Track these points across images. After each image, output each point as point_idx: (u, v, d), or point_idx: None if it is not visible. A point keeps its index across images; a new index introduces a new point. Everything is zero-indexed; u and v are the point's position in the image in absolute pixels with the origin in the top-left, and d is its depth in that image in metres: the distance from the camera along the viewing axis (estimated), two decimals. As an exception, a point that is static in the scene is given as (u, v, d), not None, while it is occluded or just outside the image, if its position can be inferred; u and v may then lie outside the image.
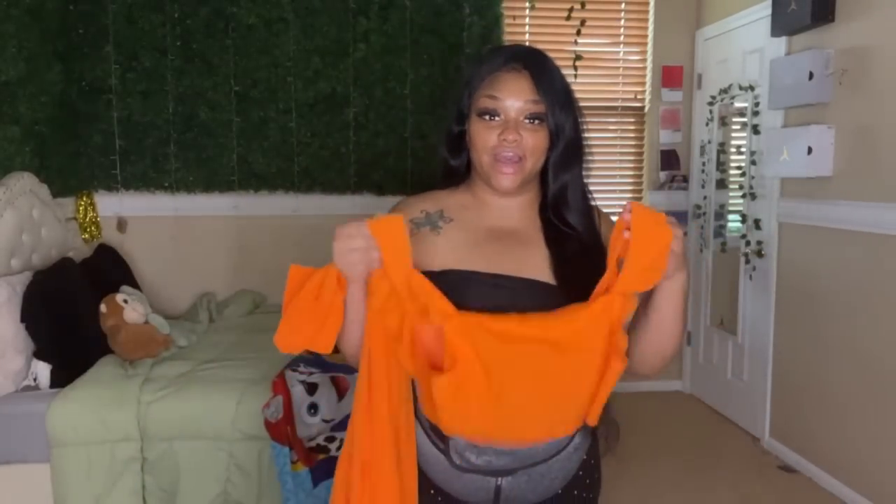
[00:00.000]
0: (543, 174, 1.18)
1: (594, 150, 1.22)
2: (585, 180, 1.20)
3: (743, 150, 3.71)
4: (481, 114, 1.14)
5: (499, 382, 1.01)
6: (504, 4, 3.87)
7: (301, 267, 1.06)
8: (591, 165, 1.20)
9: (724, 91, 3.79)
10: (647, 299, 1.08)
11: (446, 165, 1.25)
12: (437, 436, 1.12)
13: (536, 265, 1.14)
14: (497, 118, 1.13)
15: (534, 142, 1.13)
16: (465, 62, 3.76)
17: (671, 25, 4.12)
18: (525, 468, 1.10)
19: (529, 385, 1.02)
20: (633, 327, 1.10)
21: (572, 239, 1.17)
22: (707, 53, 4.05)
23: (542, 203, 1.21)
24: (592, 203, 1.22)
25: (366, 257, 1.01)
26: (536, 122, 1.13)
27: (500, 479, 1.10)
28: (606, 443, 1.19)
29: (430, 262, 1.13)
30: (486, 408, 1.02)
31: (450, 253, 1.15)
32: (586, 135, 1.19)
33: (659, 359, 1.13)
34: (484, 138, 1.13)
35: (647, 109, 4.21)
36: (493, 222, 1.20)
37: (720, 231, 4.01)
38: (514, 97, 1.12)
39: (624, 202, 1.06)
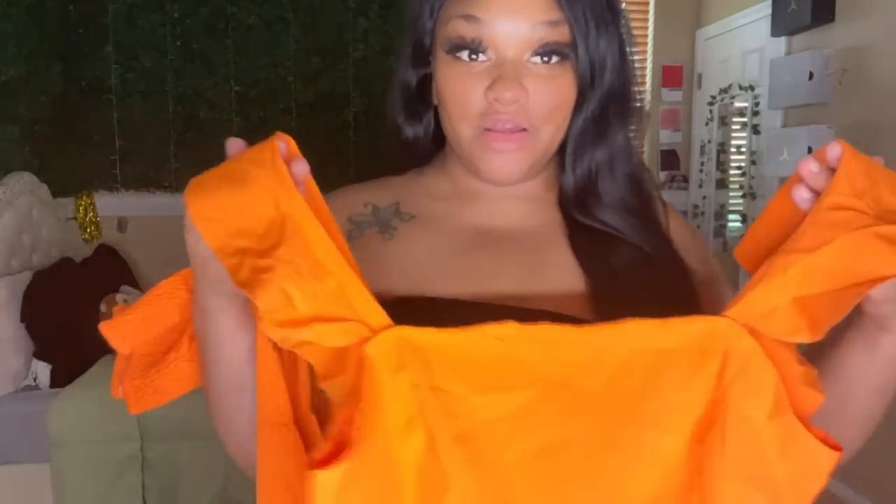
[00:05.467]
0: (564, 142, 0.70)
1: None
2: (637, 151, 0.73)
3: (743, 150, 3.71)
4: (453, 49, 0.64)
5: (461, 486, 0.49)
6: (504, 4, 3.87)
7: None
8: (642, 128, 0.74)
9: (724, 91, 3.79)
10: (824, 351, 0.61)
11: (400, 137, 0.79)
12: None
13: (558, 286, 0.67)
14: (481, 56, 0.63)
15: (548, 99, 0.63)
16: None
17: (671, 25, 4.12)
18: None
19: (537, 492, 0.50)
20: None
21: (619, 242, 0.68)
22: (707, 53, 4.05)
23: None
24: (653, 190, 0.73)
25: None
26: (555, 58, 0.63)
27: None
28: None
29: (377, 284, 0.59)
30: None
31: (410, 268, 0.68)
32: (635, 75, 0.71)
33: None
34: (460, 95, 0.64)
35: (647, 109, 4.20)
36: (483, 219, 0.72)
37: (720, 231, 4.01)
38: (511, 16, 0.62)
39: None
